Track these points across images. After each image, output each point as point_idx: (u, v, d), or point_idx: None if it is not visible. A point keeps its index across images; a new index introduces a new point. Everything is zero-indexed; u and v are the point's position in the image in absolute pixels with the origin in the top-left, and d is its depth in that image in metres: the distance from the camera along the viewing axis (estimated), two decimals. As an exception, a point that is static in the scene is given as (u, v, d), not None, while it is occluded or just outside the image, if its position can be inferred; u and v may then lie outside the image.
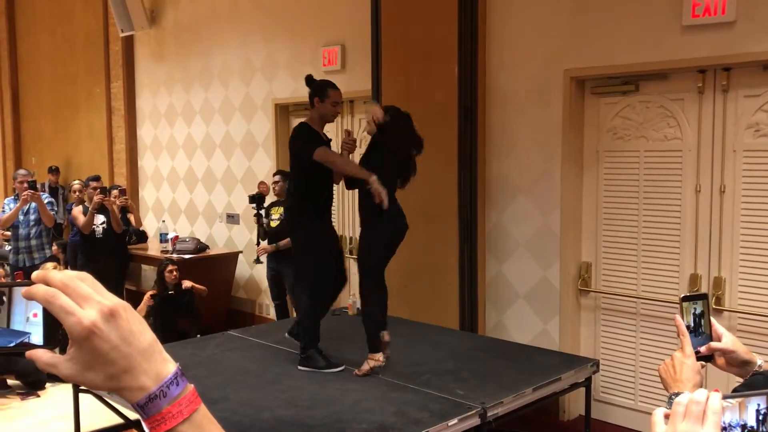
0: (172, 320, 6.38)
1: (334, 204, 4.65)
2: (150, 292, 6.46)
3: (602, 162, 4.89)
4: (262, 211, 6.62)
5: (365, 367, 4.16)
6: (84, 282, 0.76)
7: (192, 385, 0.79)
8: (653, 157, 4.63)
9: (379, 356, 4.17)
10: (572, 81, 4.84)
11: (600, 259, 4.95)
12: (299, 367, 4.32)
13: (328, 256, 4.34)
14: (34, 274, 0.77)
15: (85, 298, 0.75)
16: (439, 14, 5.31)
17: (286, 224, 4.33)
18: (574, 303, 5.04)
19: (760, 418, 0.96)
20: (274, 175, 6.67)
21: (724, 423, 0.94)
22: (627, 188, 4.76)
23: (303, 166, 4.24)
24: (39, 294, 0.75)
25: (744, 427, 0.96)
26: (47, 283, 0.76)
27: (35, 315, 0.80)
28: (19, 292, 0.80)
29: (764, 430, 0.97)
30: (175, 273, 6.41)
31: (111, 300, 0.76)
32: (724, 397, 0.95)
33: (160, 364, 0.77)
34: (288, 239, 6.27)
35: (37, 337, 0.80)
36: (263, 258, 6.61)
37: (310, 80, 4.36)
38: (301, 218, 4.30)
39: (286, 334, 4.71)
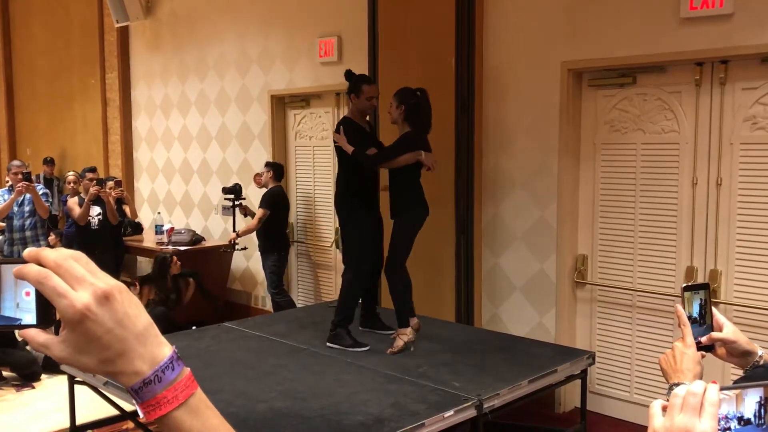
0: (168, 317, 6.37)
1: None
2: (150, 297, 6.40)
3: (599, 154, 4.88)
4: (241, 202, 6.84)
5: (398, 343, 4.35)
6: (78, 262, 0.74)
7: (188, 369, 0.78)
8: (650, 150, 4.63)
9: (408, 331, 4.35)
10: (569, 73, 4.83)
11: (596, 251, 4.95)
12: (327, 344, 4.51)
13: (372, 244, 4.63)
14: (26, 252, 0.75)
15: (79, 279, 0.73)
16: (437, 5, 5.29)
17: (337, 212, 4.70)
18: (570, 295, 5.04)
19: (761, 410, 0.96)
20: (265, 166, 6.70)
21: (720, 415, 0.94)
22: (624, 181, 4.76)
23: (349, 162, 4.49)
24: (31, 274, 0.73)
25: (741, 419, 0.96)
26: (40, 262, 0.74)
27: (27, 293, 0.77)
28: (8, 270, 0.77)
29: (762, 422, 0.97)
30: (179, 264, 6.43)
31: (106, 282, 0.74)
32: (722, 389, 0.95)
33: (155, 348, 0.75)
34: (245, 227, 6.69)
35: (30, 316, 0.77)
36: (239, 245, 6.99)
37: (349, 75, 4.61)
38: (349, 209, 4.57)
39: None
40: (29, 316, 0.77)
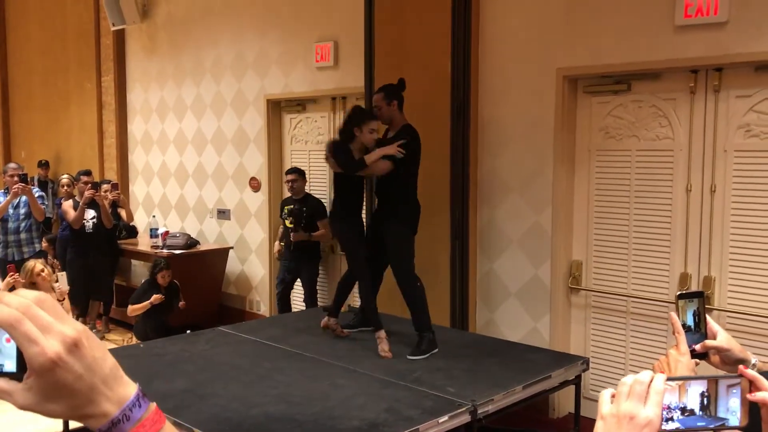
0: (163, 321, 6.34)
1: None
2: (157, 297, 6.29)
3: (594, 161, 4.90)
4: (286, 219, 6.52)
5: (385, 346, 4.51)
6: (43, 307, 0.73)
7: (154, 404, 0.79)
8: (645, 157, 4.65)
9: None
10: (565, 80, 4.85)
11: (591, 257, 4.97)
12: (414, 357, 4.44)
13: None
14: None
15: (46, 327, 0.72)
16: (433, 11, 5.31)
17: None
18: (564, 301, 5.05)
19: (705, 402, 1.00)
20: (288, 173, 6.59)
21: (663, 405, 0.98)
22: (618, 187, 4.78)
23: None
24: (1, 316, 0.71)
25: (684, 409, 1.00)
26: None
27: (8, 340, 0.73)
28: None
29: (704, 413, 1.00)
30: (168, 277, 6.36)
31: (73, 327, 0.73)
32: (668, 380, 1.00)
33: (121, 388, 0.76)
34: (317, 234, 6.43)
35: (9, 362, 0.73)
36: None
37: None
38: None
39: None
40: (9, 363, 0.74)
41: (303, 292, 6.66)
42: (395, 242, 4.56)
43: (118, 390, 0.76)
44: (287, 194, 6.70)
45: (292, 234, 6.42)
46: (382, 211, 4.66)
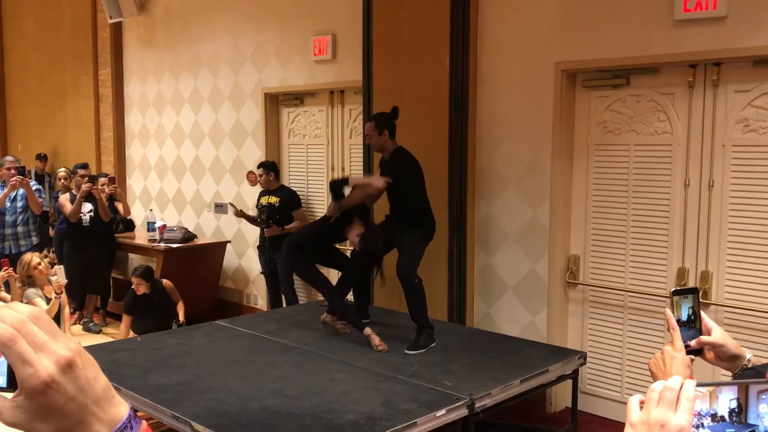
0: (161, 321, 6.25)
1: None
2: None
3: (592, 155, 4.90)
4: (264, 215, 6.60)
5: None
6: (38, 323, 0.71)
7: (145, 423, 0.78)
8: (643, 151, 4.65)
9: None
10: (563, 74, 4.84)
11: (588, 252, 4.97)
12: (412, 351, 4.48)
13: None
14: None
15: (41, 346, 0.70)
16: (432, 5, 5.29)
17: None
18: (562, 295, 5.05)
19: (735, 408, 0.98)
20: (258, 167, 6.68)
21: (694, 411, 0.96)
22: (616, 182, 4.78)
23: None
24: None
25: (714, 416, 0.98)
26: None
27: None
28: None
29: (737, 420, 0.99)
30: (143, 287, 6.07)
31: (67, 346, 0.71)
32: (698, 386, 0.97)
33: (113, 409, 0.74)
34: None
35: (0, 378, 0.71)
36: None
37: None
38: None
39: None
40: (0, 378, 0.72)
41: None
42: (407, 240, 4.61)
43: (110, 411, 0.74)
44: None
45: (265, 230, 6.53)
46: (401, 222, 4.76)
